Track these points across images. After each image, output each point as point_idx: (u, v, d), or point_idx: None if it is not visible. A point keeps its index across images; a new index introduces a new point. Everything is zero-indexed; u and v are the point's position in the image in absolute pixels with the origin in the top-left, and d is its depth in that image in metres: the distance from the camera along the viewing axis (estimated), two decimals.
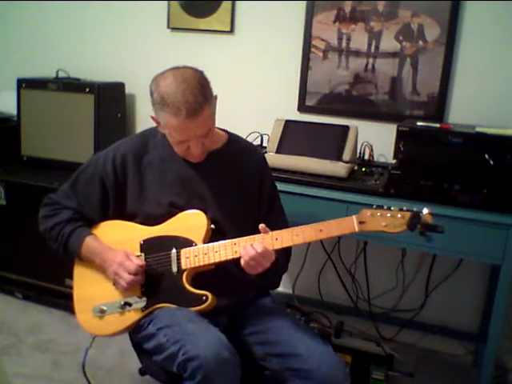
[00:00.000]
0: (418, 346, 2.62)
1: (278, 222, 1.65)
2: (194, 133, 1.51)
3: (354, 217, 1.45)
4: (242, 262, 1.49)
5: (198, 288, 1.56)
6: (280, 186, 2.00)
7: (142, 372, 1.76)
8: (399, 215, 1.42)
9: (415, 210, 1.42)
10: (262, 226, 1.51)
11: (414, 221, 1.40)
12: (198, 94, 1.47)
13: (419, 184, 2.02)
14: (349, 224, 1.45)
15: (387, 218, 1.43)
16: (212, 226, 1.60)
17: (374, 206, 1.46)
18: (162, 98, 1.48)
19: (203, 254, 1.56)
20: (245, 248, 1.49)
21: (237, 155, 1.71)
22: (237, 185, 1.68)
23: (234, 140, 1.74)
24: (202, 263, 1.56)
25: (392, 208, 1.44)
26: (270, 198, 1.74)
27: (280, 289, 2.77)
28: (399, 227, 1.42)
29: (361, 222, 1.44)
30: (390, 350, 2.30)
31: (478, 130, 2.05)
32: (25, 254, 2.76)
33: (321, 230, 1.47)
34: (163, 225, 1.63)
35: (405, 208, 1.43)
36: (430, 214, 1.42)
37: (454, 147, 1.99)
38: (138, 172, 1.65)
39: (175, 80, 1.48)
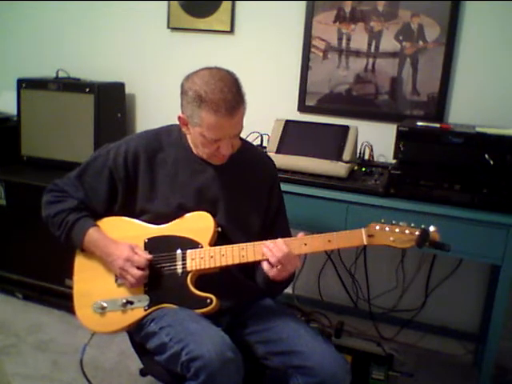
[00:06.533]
0: (417, 345, 2.62)
1: (284, 230, 1.67)
2: (229, 131, 1.50)
3: (362, 230, 1.46)
4: (267, 264, 1.48)
5: (199, 289, 1.54)
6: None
7: (142, 373, 1.75)
8: (407, 231, 1.44)
9: (423, 226, 1.44)
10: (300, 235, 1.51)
11: (423, 238, 1.42)
12: (235, 92, 1.47)
13: (419, 184, 2.02)
14: (358, 237, 1.47)
15: (395, 234, 1.44)
16: (219, 228, 1.58)
17: (383, 221, 1.47)
18: (200, 96, 1.46)
19: (209, 256, 1.54)
20: (271, 250, 1.47)
21: (250, 162, 1.69)
22: (248, 191, 1.67)
23: (247, 147, 1.72)
24: (207, 266, 1.54)
25: (401, 223, 1.45)
26: (277, 207, 1.73)
27: None
28: (407, 243, 1.44)
29: (369, 236, 1.46)
30: (390, 350, 2.30)
31: (478, 129, 2.05)
32: (25, 254, 2.77)
33: (329, 241, 1.48)
34: (169, 224, 1.61)
35: (412, 224, 1.45)
36: (437, 231, 1.43)
37: (454, 147, 1.99)
38: (149, 169, 1.63)
39: (213, 78, 1.47)
